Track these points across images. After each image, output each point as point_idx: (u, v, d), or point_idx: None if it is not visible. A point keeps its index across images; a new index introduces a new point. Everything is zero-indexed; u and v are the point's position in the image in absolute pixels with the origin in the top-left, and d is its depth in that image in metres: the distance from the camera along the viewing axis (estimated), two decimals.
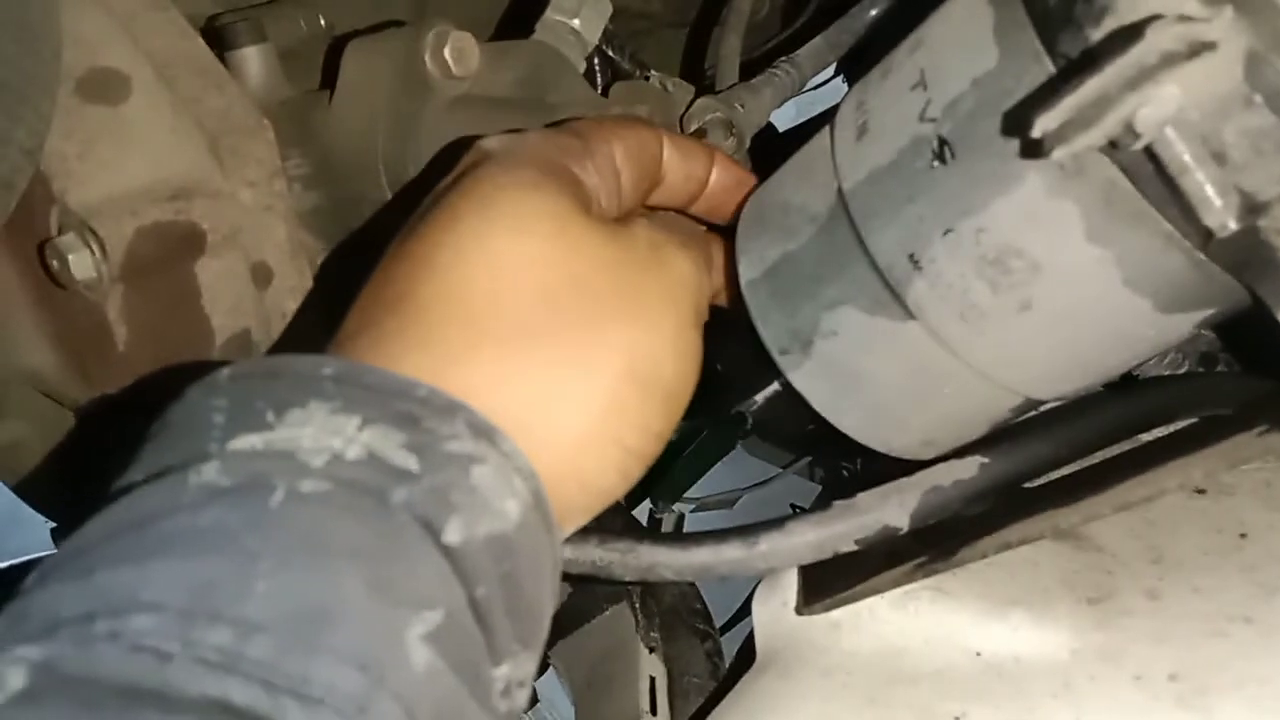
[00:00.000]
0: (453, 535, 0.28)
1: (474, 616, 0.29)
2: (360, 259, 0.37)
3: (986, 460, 0.46)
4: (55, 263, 0.51)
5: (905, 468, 0.47)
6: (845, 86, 0.51)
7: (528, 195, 0.35)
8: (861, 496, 0.46)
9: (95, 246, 0.51)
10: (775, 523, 0.47)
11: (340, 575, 0.26)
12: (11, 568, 0.83)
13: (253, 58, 0.59)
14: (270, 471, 0.28)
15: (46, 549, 0.69)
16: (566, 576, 0.47)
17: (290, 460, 0.28)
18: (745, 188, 0.47)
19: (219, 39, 0.59)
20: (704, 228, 0.48)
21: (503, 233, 0.34)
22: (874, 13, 0.59)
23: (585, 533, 0.47)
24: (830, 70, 0.74)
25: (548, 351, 0.33)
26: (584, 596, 0.69)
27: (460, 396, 0.31)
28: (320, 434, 0.28)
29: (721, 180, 0.46)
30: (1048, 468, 0.47)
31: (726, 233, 0.48)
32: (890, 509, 0.46)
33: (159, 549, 0.26)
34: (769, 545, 0.46)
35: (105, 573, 0.26)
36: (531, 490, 0.31)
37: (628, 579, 0.48)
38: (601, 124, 0.41)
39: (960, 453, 0.47)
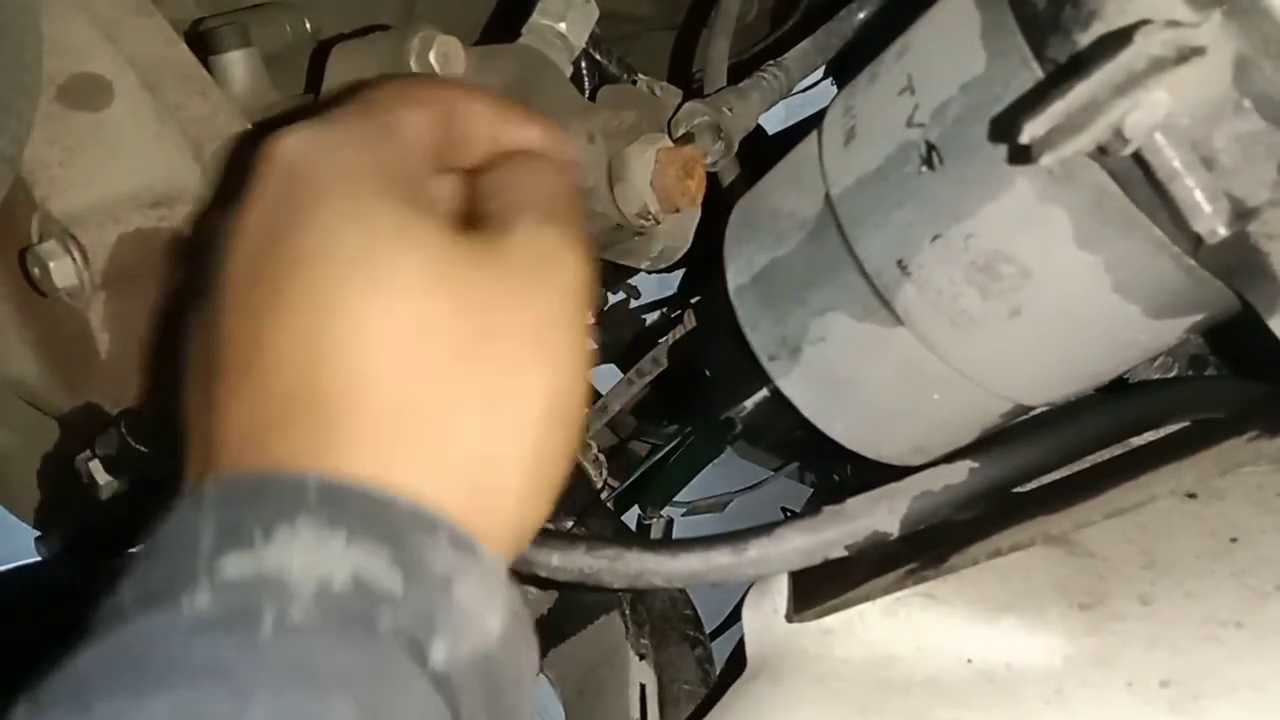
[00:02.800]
0: (438, 656, 0.29)
1: None
2: None
3: (976, 465, 0.46)
4: (37, 270, 0.51)
5: (897, 472, 0.47)
6: (835, 89, 0.51)
7: (398, 250, 0.32)
8: (851, 502, 0.46)
9: (77, 254, 0.51)
10: (765, 529, 0.46)
11: (332, 703, 0.27)
12: None
13: (237, 62, 0.58)
14: (260, 599, 0.28)
15: (30, 556, 0.69)
16: (555, 584, 0.47)
17: (279, 587, 0.28)
18: (527, 131, 0.40)
19: (203, 44, 0.58)
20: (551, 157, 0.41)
21: (390, 301, 0.32)
22: (862, 16, 0.59)
23: (574, 540, 0.47)
24: (820, 72, 0.74)
25: (473, 417, 0.32)
26: (574, 604, 0.68)
27: (404, 490, 0.31)
28: (308, 554, 0.28)
29: (521, 135, 0.39)
30: (1038, 473, 0.47)
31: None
32: (880, 514, 0.46)
33: (155, 680, 0.26)
34: (758, 551, 0.46)
35: (103, 704, 0.26)
36: (510, 603, 0.31)
37: (616, 586, 0.48)
38: (400, 89, 0.37)
39: (950, 458, 0.47)
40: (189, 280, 0.38)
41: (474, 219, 0.36)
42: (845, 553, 0.46)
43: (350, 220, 0.32)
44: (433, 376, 0.32)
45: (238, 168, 0.44)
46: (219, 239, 0.35)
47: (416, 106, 0.37)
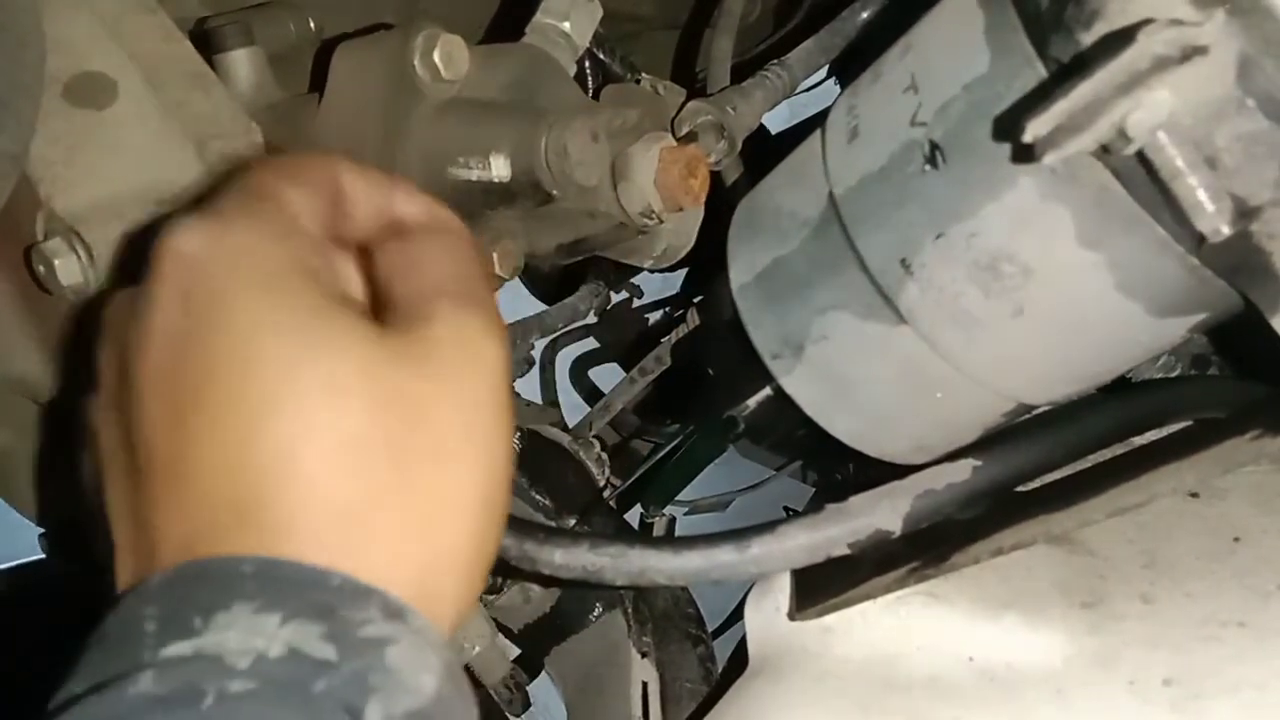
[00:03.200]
0: (373, 717, 0.30)
1: None
2: None
3: (979, 464, 0.46)
4: (42, 268, 0.51)
5: (898, 471, 0.47)
6: (838, 88, 0.51)
7: (320, 352, 0.32)
8: (853, 500, 0.46)
9: (82, 251, 0.51)
10: (767, 526, 0.46)
11: None
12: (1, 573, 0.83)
13: (241, 61, 0.58)
14: (201, 677, 0.29)
15: (34, 554, 0.69)
16: (559, 581, 0.47)
17: (218, 664, 0.29)
18: (411, 205, 0.39)
19: (207, 42, 0.58)
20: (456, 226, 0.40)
21: (320, 407, 0.32)
22: (865, 15, 0.59)
23: (577, 537, 0.47)
24: (823, 72, 0.74)
25: (412, 511, 0.33)
26: (577, 602, 0.68)
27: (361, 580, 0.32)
28: (245, 635, 0.30)
29: (406, 210, 0.39)
30: (1041, 472, 0.47)
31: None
32: (882, 512, 0.46)
33: None
34: (761, 549, 0.46)
35: None
36: (445, 662, 0.32)
37: (619, 583, 0.48)
38: (281, 170, 0.37)
39: (953, 456, 0.47)
40: (81, 368, 0.38)
41: (382, 300, 0.36)
42: (848, 551, 0.46)
43: (266, 324, 0.32)
44: (370, 476, 0.33)
45: (135, 255, 0.45)
46: (118, 330, 0.35)
47: (300, 184, 0.36)
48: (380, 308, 0.36)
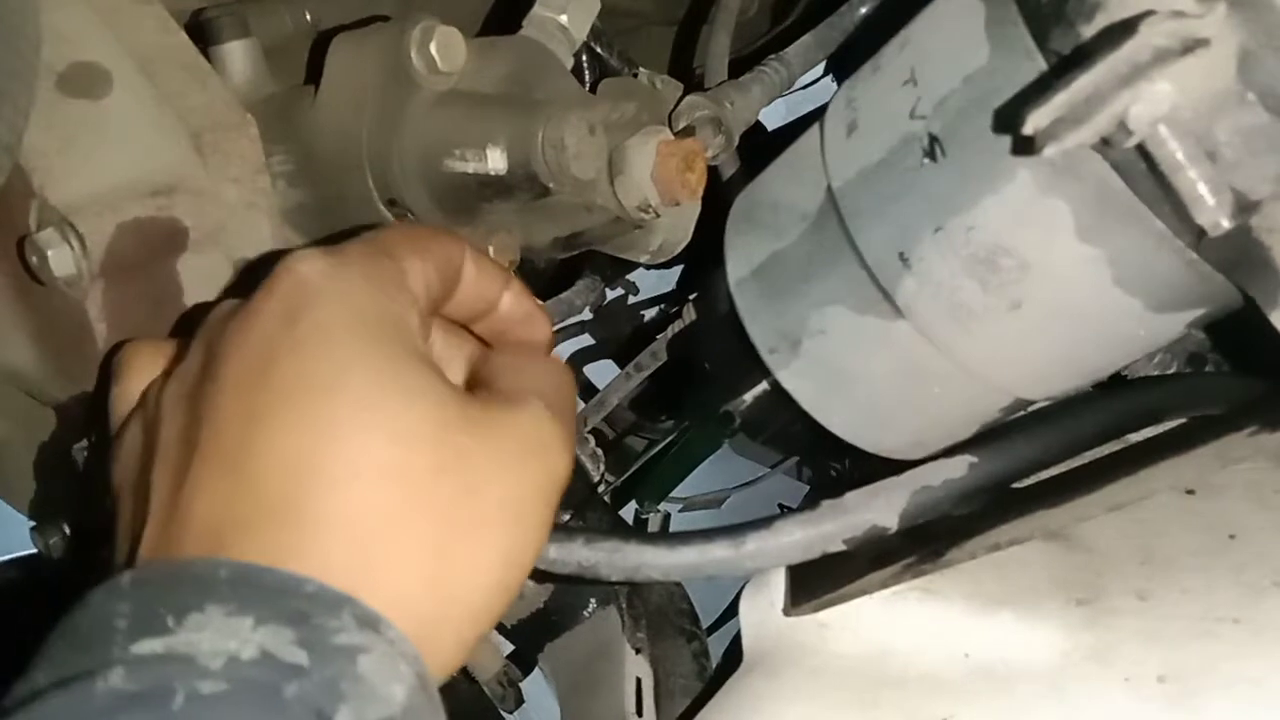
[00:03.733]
0: None
1: None
2: None
3: (976, 460, 0.46)
4: (35, 259, 0.51)
5: (894, 467, 0.47)
6: (835, 86, 0.50)
7: (401, 398, 0.35)
8: (849, 496, 0.46)
9: (75, 243, 0.51)
10: (763, 522, 0.46)
11: None
12: None
13: (237, 53, 0.58)
14: (171, 675, 0.29)
15: (26, 548, 0.69)
16: (552, 576, 0.47)
17: (190, 664, 0.30)
18: (534, 323, 0.44)
19: (203, 34, 0.58)
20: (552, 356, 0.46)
21: (386, 447, 0.34)
22: (864, 10, 0.59)
23: (571, 532, 0.47)
24: (820, 69, 0.74)
25: (435, 562, 0.34)
26: (571, 598, 0.68)
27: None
28: (217, 637, 0.30)
29: (510, 310, 0.43)
30: (1037, 468, 0.47)
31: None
32: (878, 508, 0.45)
33: None
34: (756, 545, 0.46)
35: None
36: (416, 673, 0.33)
37: (614, 579, 0.48)
38: (411, 238, 0.40)
39: (949, 452, 0.47)
40: (181, 351, 0.40)
41: (483, 385, 0.39)
42: (843, 547, 0.46)
43: (357, 359, 0.35)
44: (403, 517, 0.34)
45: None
46: (214, 329, 0.37)
47: (422, 254, 0.39)
48: (476, 387, 0.39)
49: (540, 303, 0.45)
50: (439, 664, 0.34)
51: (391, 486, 0.34)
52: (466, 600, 0.35)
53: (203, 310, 0.40)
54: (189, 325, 0.40)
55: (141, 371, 0.41)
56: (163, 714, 0.28)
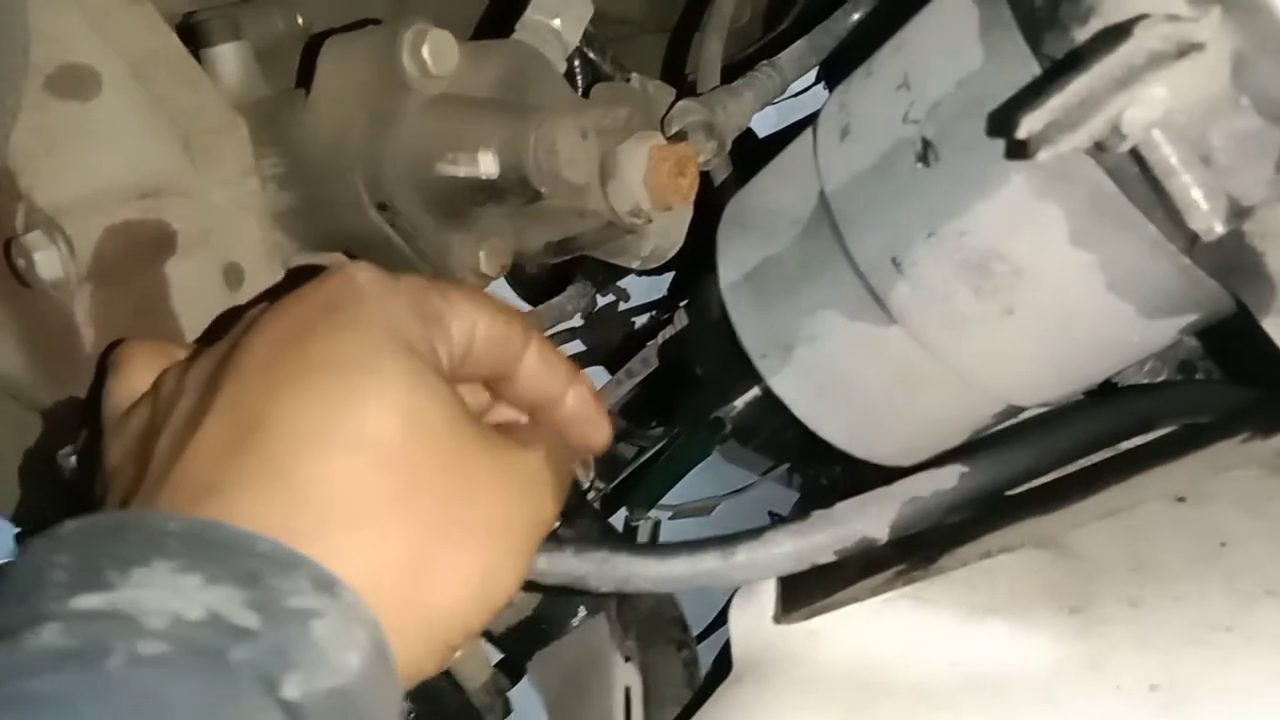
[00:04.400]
0: (292, 691, 0.29)
1: None
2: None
3: (966, 470, 0.46)
4: (21, 261, 0.50)
5: (885, 475, 0.47)
6: (827, 93, 0.50)
7: (426, 397, 0.35)
8: (840, 507, 0.46)
9: (63, 245, 0.50)
10: (753, 533, 0.46)
11: None
12: None
13: (228, 55, 0.58)
14: (110, 633, 0.28)
15: (4, 556, 0.68)
16: (541, 587, 0.46)
17: (130, 622, 0.28)
18: (595, 424, 0.45)
19: (194, 36, 0.58)
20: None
21: (392, 433, 0.34)
22: (856, 16, 0.59)
23: (561, 543, 0.46)
24: (811, 76, 0.74)
25: (414, 552, 0.34)
26: (559, 607, 0.68)
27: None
28: (162, 594, 0.29)
29: (576, 409, 0.44)
30: (1028, 478, 0.47)
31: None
32: (869, 520, 0.45)
33: None
34: (746, 556, 0.45)
35: None
36: (373, 639, 0.32)
37: (603, 590, 0.47)
38: (472, 294, 0.40)
39: (940, 462, 0.47)
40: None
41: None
42: (834, 558, 0.46)
43: (390, 352, 0.35)
44: (399, 510, 0.34)
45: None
46: (253, 317, 0.38)
47: (475, 315, 0.39)
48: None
49: (605, 405, 0.46)
50: (404, 661, 0.33)
51: (390, 471, 0.34)
52: (441, 604, 0.35)
53: (232, 314, 0.41)
54: (220, 329, 0.40)
55: (143, 367, 0.41)
56: (97, 674, 0.27)
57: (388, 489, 0.34)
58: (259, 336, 0.36)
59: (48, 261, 0.50)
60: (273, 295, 0.38)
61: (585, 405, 0.44)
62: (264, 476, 0.33)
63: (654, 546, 0.47)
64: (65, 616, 0.28)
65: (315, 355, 0.35)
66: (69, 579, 0.29)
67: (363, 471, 0.33)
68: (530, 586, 0.47)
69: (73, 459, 0.53)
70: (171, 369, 0.40)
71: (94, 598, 0.28)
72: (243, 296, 0.55)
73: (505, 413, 0.44)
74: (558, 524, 0.40)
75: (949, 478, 0.45)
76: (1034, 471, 0.47)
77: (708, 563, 0.46)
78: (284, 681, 0.29)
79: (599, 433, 0.45)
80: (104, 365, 0.43)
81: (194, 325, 0.54)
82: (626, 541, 0.77)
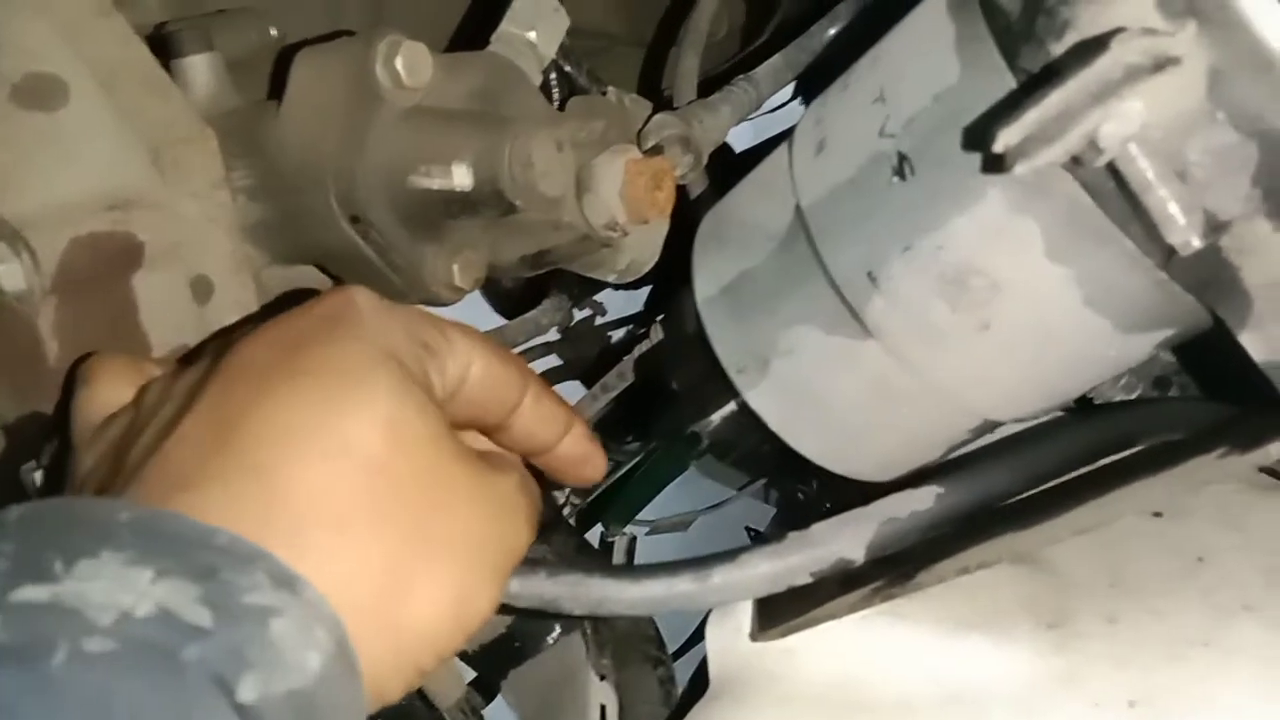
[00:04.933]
0: (247, 694, 0.27)
1: None
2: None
3: (943, 490, 0.45)
4: None
5: (862, 490, 0.47)
6: (803, 109, 0.50)
7: (421, 416, 0.35)
8: (816, 528, 0.45)
9: (27, 257, 0.49)
10: (728, 555, 0.45)
11: None
12: None
13: (199, 66, 0.57)
14: (53, 630, 0.26)
15: None
16: (514, 610, 0.46)
17: (76, 617, 0.27)
18: (591, 464, 0.45)
19: (165, 47, 0.57)
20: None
21: (388, 442, 0.34)
22: (833, 31, 0.59)
23: (534, 565, 0.46)
24: (789, 92, 0.74)
25: (385, 561, 0.33)
26: (535, 624, 0.67)
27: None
28: (110, 588, 0.27)
29: (572, 451, 0.44)
30: (1005, 497, 0.47)
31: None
32: (845, 541, 0.45)
33: None
34: (722, 578, 0.45)
35: None
36: (335, 639, 0.30)
37: (577, 613, 0.46)
38: (469, 332, 0.40)
39: (917, 482, 0.46)
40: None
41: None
42: (810, 579, 0.45)
43: (384, 370, 0.35)
44: (376, 520, 0.33)
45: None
46: (250, 327, 0.37)
47: (468, 354, 0.39)
48: None
49: (601, 446, 0.46)
50: (369, 679, 0.32)
51: (372, 480, 0.33)
52: (413, 622, 0.34)
53: (222, 332, 0.41)
54: (200, 351, 0.40)
55: (115, 381, 0.40)
56: (38, 673, 0.25)
57: (367, 498, 0.33)
58: (252, 343, 0.36)
59: (11, 274, 0.49)
60: (260, 318, 0.38)
61: (581, 447, 0.44)
62: (241, 475, 0.32)
63: (628, 569, 0.47)
64: (4, 610, 0.27)
65: (308, 362, 0.34)
66: (10, 568, 0.28)
67: (344, 478, 0.33)
68: (504, 609, 0.46)
69: (37, 474, 0.52)
70: (156, 380, 0.39)
71: (36, 590, 0.27)
72: (211, 310, 0.54)
73: (478, 439, 0.43)
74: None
75: (926, 498, 0.45)
76: (1011, 491, 0.46)
77: (682, 585, 0.45)
78: (239, 683, 0.27)
79: (595, 471, 0.45)
80: (71, 379, 0.43)
81: (161, 338, 0.53)
82: (601, 562, 0.76)
